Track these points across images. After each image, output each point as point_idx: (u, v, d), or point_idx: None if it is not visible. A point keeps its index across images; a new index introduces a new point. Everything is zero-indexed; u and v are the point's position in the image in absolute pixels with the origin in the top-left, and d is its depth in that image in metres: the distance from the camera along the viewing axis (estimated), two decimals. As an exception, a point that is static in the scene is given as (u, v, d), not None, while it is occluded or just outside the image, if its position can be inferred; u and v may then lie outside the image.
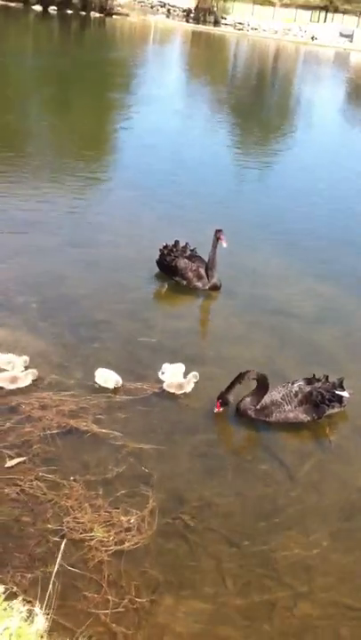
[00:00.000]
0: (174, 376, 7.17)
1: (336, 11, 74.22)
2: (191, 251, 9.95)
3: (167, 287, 9.67)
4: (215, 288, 9.70)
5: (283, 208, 14.27)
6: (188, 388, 7.18)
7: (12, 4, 53.03)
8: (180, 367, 7.32)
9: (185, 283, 9.69)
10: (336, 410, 7.18)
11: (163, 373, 7.22)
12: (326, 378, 7.28)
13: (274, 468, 6.36)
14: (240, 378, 6.87)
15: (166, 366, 7.27)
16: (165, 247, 9.84)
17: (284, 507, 5.87)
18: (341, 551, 5.49)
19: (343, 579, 5.25)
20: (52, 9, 54.77)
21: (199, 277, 9.67)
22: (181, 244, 9.97)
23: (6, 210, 11.77)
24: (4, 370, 6.93)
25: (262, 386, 6.98)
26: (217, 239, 9.42)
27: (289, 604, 4.97)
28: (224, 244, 9.41)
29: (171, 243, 9.91)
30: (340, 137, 25.70)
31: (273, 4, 71.30)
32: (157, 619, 4.67)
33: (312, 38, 64.04)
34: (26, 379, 6.85)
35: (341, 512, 5.93)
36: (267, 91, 35.61)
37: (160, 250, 9.85)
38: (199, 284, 9.68)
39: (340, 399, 7.18)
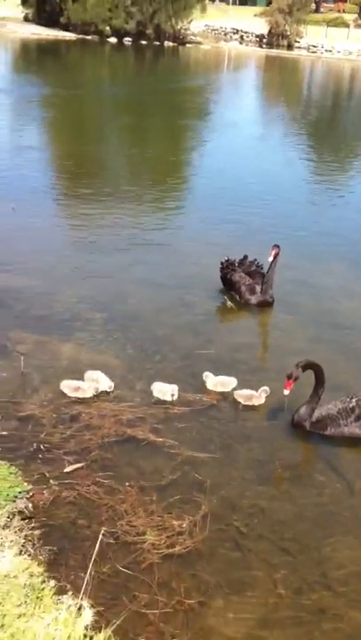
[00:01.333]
0: (221, 384, 7.41)
1: None
2: (257, 267, 10.01)
3: (228, 301, 9.76)
4: (265, 304, 9.65)
5: (351, 226, 14.14)
6: (258, 402, 7.29)
7: (89, 37, 54.85)
8: (232, 381, 7.48)
9: (237, 297, 9.79)
10: None
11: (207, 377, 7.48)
12: None
13: (330, 478, 6.34)
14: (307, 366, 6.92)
15: (208, 374, 7.51)
16: (226, 261, 9.96)
17: (339, 516, 5.86)
18: None
19: None
20: (127, 40, 56.22)
21: (252, 292, 9.69)
22: (250, 259, 10.09)
23: (80, 233, 12.19)
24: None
25: (318, 384, 6.95)
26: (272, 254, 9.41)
27: (340, 611, 4.95)
28: (270, 259, 9.40)
29: (235, 258, 10.04)
30: None
31: (347, 26, 71.04)
32: (206, 621, 4.75)
33: (388, 57, 63.28)
34: (88, 391, 7.08)
35: None
36: (342, 114, 35.33)
37: (221, 263, 9.99)
38: (251, 299, 9.70)
39: None
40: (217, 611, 4.83)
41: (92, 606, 4.34)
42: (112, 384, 7.22)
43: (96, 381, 7.18)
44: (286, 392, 6.90)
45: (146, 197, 15.08)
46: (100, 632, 4.02)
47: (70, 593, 4.32)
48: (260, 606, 4.91)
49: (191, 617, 4.74)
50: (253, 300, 9.69)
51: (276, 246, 9.42)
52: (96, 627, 4.07)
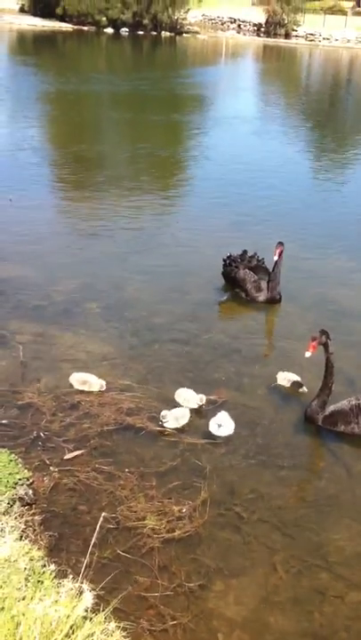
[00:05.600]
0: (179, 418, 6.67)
1: None
2: (258, 261, 9.75)
3: (227, 298, 9.60)
4: (273, 301, 9.43)
5: (352, 218, 14.04)
6: (300, 389, 7.37)
7: (85, 28, 54.55)
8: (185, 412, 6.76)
9: (243, 294, 9.55)
10: None
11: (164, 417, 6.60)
12: None
13: (330, 464, 6.39)
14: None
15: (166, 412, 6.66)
16: (229, 257, 9.73)
17: (338, 499, 5.89)
18: None
19: None
20: (124, 31, 55.86)
21: (258, 289, 9.45)
22: (250, 254, 9.80)
23: (78, 223, 12.22)
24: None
25: (327, 374, 6.78)
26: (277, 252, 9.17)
27: (340, 592, 5.00)
28: (275, 257, 9.15)
29: (236, 253, 9.76)
30: None
31: (345, 13, 70.62)
32: (207, 603, 4.79)
33: (386, 44, 62.89)
34: (95, 385, 7.04)
35: None
36: (342, 103, 35.10)
37: (223, 260, 9.77)
38: (258, 296, 9.47)
39: None
40: (217, 593, 4.88)
41: (93, 590, 4.36)
42: (103, 382, 7.05)
43: (88, 385, 7.03)
44: (308, 354, 6.74)
45: (145, 188, 15.03)
46: (99, 614, 4.04)
47: (71, 577, 4.32)
48: (260, 589, 4.95)
49: (192, 600, 4.79)
50: (261, 297, 9.45)
51: (281, 244, 9.17)
52: (96, 609, 4.09)
